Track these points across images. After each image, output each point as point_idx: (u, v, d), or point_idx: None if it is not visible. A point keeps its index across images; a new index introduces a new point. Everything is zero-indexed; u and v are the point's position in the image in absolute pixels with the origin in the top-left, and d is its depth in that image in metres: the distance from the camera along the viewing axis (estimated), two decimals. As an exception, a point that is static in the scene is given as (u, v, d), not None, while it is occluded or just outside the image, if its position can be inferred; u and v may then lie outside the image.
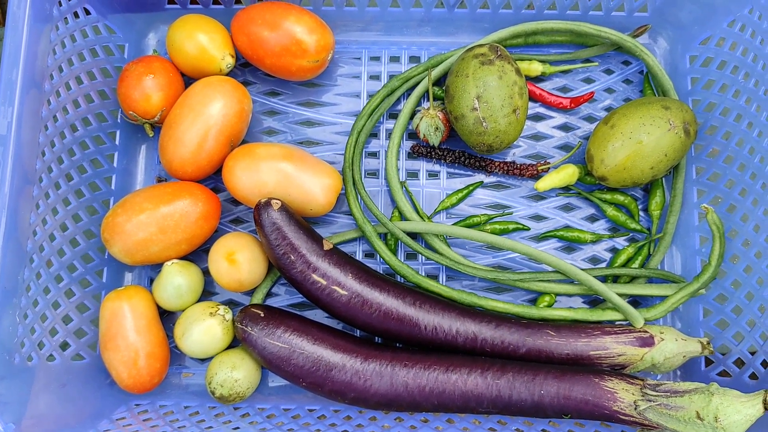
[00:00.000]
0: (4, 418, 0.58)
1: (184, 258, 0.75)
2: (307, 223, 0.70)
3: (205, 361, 0.76)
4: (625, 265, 0.77)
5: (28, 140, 0.64)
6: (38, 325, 0.65)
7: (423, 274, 0.76)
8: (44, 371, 0.65)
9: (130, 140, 0.80)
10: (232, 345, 0.74)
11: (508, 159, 0.81)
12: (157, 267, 0.78)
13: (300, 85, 0.83)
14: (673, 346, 0.68)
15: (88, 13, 0.75)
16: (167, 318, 0.77)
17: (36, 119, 0.65)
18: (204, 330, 0.70)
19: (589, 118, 0.82)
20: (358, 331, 0.76)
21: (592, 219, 0.80)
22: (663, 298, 0.74)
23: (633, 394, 0.64)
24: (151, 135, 0.78)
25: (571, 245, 0.79)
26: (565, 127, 0.82)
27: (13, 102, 0.62)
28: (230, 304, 0.78)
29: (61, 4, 0.69)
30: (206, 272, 0.76)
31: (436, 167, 0.81)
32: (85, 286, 0.73)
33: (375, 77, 0.83)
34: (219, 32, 0.77)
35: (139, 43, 0.83)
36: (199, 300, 0.75)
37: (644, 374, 0.73)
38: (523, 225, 0.78)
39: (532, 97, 0.81)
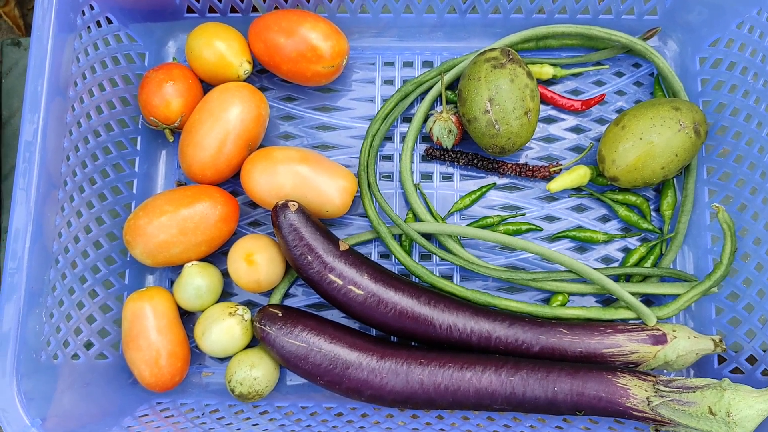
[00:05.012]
0: (31, 413, 0.59)
1: (203, 260, 0.76)
2: (323, 225, 0.71)
3: (224, 360, 0.78)
4: (637, 264, 0.78)
5: (54, 145, 0.65)
6: (63, 324, 0.67)
7: (437, 275, 0.77)
8: (69, 369, 0.67)
9: (150, 145, 0.82)
10: (251, 345, 0.75)
11: (521, 161, 0.82)
12: (177, 269, 0.79)
13: (316, 91, 0.84)
14: (685, 344, 0.69)
15: (110, 22, 0.77)
16: (187, 318, 0.78)
17: (61, 125, 0.67)
18: (223, 330, 0.71)
19: (600, 120, 0.82)
20: (374, 330, 0.77)
21: (604, 219, 0.81)
22: (675, 296, 0.74)
23: (646, 391, 0.64)
24: (171, 140, 0.80)
25: (583, 245, 0.80)
26: (576, 129, 0.83)
27: (39, 109, 0.63)
28: (249, 304, 0.79)
29: (84, 14, 0.71)
30: (225, 273, 0.78)
31: (450, 169, 0.82)
32: (108, 287, 0.74)
33: (389, 82, 0.84)
34: (236, 39, 0.78)
35: (159, 51, 0.85)
36: (219, 301, 0.77)
37: (658, 372, 0.74)
38: (536, 226, 0.79)
39: (544, 100, 0.82)
